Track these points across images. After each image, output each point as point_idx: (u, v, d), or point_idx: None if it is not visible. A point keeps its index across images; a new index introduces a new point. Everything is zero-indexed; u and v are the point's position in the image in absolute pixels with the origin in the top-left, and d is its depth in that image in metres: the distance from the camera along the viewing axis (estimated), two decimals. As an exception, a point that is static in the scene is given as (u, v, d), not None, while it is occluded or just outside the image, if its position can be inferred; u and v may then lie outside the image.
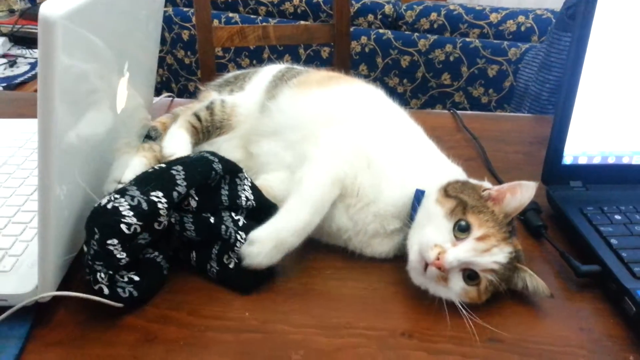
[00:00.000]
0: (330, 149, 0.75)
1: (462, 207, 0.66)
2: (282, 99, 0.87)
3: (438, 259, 0.63)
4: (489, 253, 0.64)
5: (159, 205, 0.62)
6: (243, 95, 0.95)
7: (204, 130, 0.91)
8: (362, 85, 0.91)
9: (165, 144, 0.86)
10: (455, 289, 0.65)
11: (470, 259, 0.64)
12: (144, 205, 0.61)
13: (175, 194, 0.63)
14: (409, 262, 0.67)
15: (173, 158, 0.77)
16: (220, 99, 0.94)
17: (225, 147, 0.90)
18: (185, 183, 0.65)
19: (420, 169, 0.75)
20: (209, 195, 0.69)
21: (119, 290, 0.61)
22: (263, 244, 0.66)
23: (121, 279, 0.61)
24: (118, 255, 0.59)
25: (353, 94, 0.87)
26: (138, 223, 0.60)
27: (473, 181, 0.73)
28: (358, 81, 0.92)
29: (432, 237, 0.65)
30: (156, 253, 0.66)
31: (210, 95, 0.99)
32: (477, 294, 0.65)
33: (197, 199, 0.67)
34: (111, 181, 0.75)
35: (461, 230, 0.65)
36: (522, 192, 0.67)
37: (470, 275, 0.65)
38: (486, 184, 0.73)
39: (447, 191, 0.69)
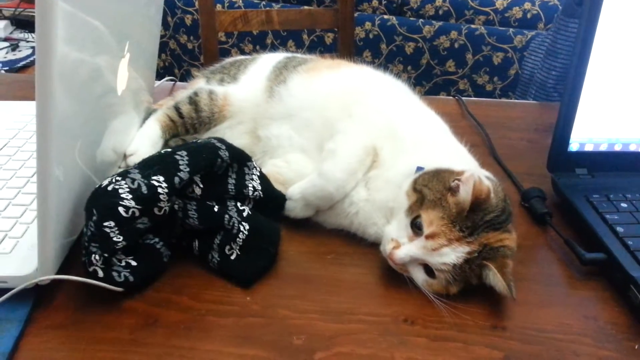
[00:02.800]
0: (363, 121, 0.76)
1: (420, 202, 0.65)
2: (293, 84, 0.86)
3: (392, 252, 0.65)
4: (438, 253, 0.62)
5: (159, 190, 0.61)
6: (237, 87, 0.92)
7: (186, 125, 0.88)
8: (371, 69, 0.91)
9: (133, 139, 0.83)
10: (419, 280, 0.65)
11: (421, 256, 0.63)
12: (144, 189, 0.60)
13: (176, 179, 0.62)
14: None
15: (133, 158, 0.78)
16: (208, 90, 0.90)
17: (230, 134, 0.89)
18: (188, 169, 0.63)
19: (431, 146, 0.75)
20: (215, 183, 0.68)
21: (114, 274, 0.60)
22: (297, 201, 0.73)
23: (118, 263, 0.61)
24: (114, 239, 0.59)
25: (365, 74, 0.88)
26: (136, 207, 0.59)
27: (454, 168, 0.69)
28: (366, 67, 0.92)
29: (392, 231, 0.67)
30: (156, 239, 0.65)
31: (197, 83, 0.96)
32: (440, 287, 0.64)
33: (201, 186, 0.66)
34: (106, 160, 0.74)
35: (416, 227, 0.65)
36: (466, 184, 0.63)
37: (427, 270, 0.64)
38: (465, 171, 0.67)
39: (416, 183, 0.68)
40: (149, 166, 0.63)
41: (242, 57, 1.03)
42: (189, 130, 0.89)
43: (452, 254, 0.62)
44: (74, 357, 0.55)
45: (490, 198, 0.64)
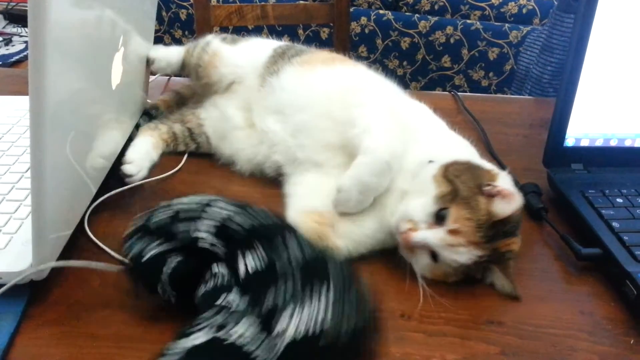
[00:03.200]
0: (379, 106, 0.75)
1: (453, 195, 0.64)
2: (285, 77, 0.84)
3: (408, 232, 0.64)
4: (454, 249, 0.62)
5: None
6: (231, 50, 0.92)
7: (185, 64, 0.94)
8: (365, 68, 0.89)
9: (127, 155, 0.82)
10: (420, 264, 0.65)
11: (436, 247, 0.63)
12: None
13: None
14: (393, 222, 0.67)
15: (133, 179, 0.79)
16: (206, 40, 0.94)
17: (224, 102, 0.89)
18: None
19: (441, 139, 0.76)
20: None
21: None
22: (350, 190, 0.68)
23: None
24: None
25: (359, 74, 0.87)
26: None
27: (484, 165, 0.70)
28: (360, 64, 0.90)
29: (413, 212, 0.65)
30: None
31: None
32: (441, 273, 0.65)
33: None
34: (96, 156, 0.72)
35: (440, 216, 0.64)
36: (509, 203, 0.64)
37: (433, 255, 0.64)
38: (498, 173, 0.69)
39: (447, 171, 0.67)
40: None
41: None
42: (187, 74, 0.96)
43: (466, 255, 0.62)
44: (70, 353, 0.55)
45: (520, 211, 0.65)
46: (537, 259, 0.74)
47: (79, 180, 0.65)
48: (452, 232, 0.62)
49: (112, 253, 0.67)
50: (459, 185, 0.65)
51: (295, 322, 0.44)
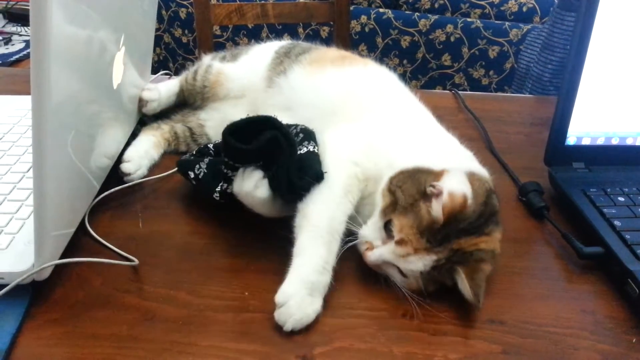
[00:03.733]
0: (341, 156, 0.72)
1: (394, 206, 0.64)
2: (294, 76, 0.85)
3: (364, 253, 0.65)
4: (405, 260, 0.62)
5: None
6: (234, 66, 0.93)
7: (188, 90, 0.95)
8: (375, 67, 0.89)
9: (126, 154, 0.82)
10: (396, 279, 0.64)
11: (392, 260, 0.63)
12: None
13: None
14: None
15: (131, 178, 0.79)
16: (207, 64, 0.95)
17: (232, 111, 0.89)
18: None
19: (428, 147, 0.74)
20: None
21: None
22: (294, 296, 0.60)
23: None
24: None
25: (369, 76, 0.86)
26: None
27: (433, 168, 0.66)
28: (371, 62, 0.90)
29: (367, 232, 0.66)
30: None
31: (205, 59, 0.99)
32: (415, 286, 0.63)
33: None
34: (98, 154, 0.73)
35: (388, 230, 0.64)
36: (437, 201, 0.61)
37: (400, 271, 0.64)
38: (444, 172, 0.65)
39: (391, 183, 0.66)
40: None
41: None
42: (190, 97, 0.96)
43: (419, 262, 0.62)
44: (72, 353, 0.55)
45: (466, 208, 0.61)
46: (538, 257, 0.74)
47: (81, 179, 0.65)
48: (399, 242, 0.62)
49: (116, 249, 0.67)
50: (398, 195, 0.64)
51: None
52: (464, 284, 0.61)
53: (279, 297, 0.60)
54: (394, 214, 0.63)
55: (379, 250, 0.64)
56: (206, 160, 0.75)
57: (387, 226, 0.64)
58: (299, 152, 0.69)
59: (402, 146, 0.73)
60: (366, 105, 0.79)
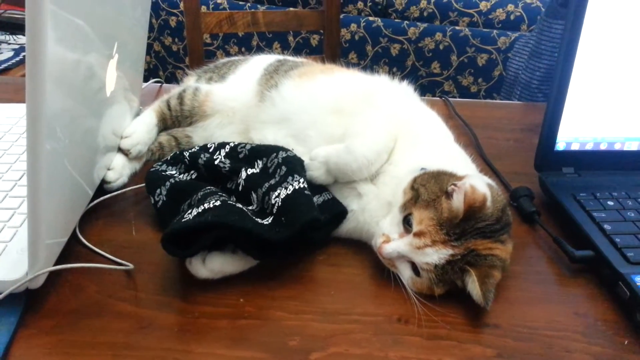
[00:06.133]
0: (386, 110, 0.78)
1: (415, 200, 0.66)
2: (285, 89, 0.86)
3: (381, 245, 0.66)
4: (422, 252, 0.63)
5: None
6: (223, 86, 0.94)
7: (172, 118, 0.92)
8: (363, 75, 0.91)
9: (131, 124, 0.87)
10: (405, 277, 0.66)
11: (407, 253, 0.64)
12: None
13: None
14: None
15: (129, 138, 0.83)
16: (194, 87, 0.94)
17: (219, 133, 0.89)
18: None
19: (439, 148, 0.77)
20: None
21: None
22: (320, 167, 0.74)
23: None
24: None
25: (364, 80, 0.88)
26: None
27: (456, 172, 0.69)
28: (357, 72, 0.92)
29: (385, 226, 0.68)
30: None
31: (189, 81, 0.99)
32: (425, 286, 0.64)
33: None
34: (94, 163, 0.73)
35: (407, 224, 0.65)
36: (459, 193, 0.63)
37: (414, 267, 0.65)
38: (466, 175, 0.68)
39: (415, 182, 0.68)
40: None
41: (236, 57, 1.03)
42: (175, 123, 0.93)
43: (435, 255, 0.63)
44: (67, 362, 0.55)
45: (486, 207, 0.63)
46: (531, 261, 0.74)
47: (75, 186, 0.65)
48: (418, 234, 0.64)
49: (109, 256, 0.67)
50: (421, 191, 0.66)
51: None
52: (474, 285, 0.62)
53: (313, 153, 0.76)
54: (414, 207, 0.65)
55: (395, 242, 0.65)
56: (167, 184, 0.73)
57: (405, 221, 0.66)
58: (280, 197, 0.66)
59: (430, 151, 0.75)
60: (373, 99, 0.80)
